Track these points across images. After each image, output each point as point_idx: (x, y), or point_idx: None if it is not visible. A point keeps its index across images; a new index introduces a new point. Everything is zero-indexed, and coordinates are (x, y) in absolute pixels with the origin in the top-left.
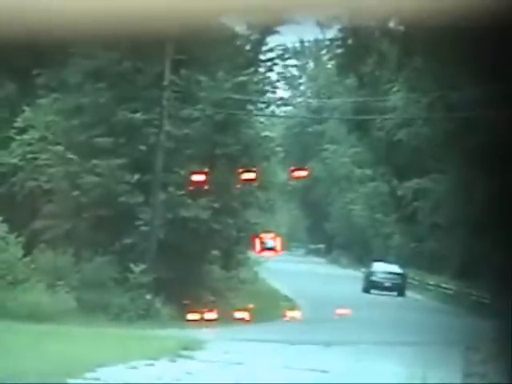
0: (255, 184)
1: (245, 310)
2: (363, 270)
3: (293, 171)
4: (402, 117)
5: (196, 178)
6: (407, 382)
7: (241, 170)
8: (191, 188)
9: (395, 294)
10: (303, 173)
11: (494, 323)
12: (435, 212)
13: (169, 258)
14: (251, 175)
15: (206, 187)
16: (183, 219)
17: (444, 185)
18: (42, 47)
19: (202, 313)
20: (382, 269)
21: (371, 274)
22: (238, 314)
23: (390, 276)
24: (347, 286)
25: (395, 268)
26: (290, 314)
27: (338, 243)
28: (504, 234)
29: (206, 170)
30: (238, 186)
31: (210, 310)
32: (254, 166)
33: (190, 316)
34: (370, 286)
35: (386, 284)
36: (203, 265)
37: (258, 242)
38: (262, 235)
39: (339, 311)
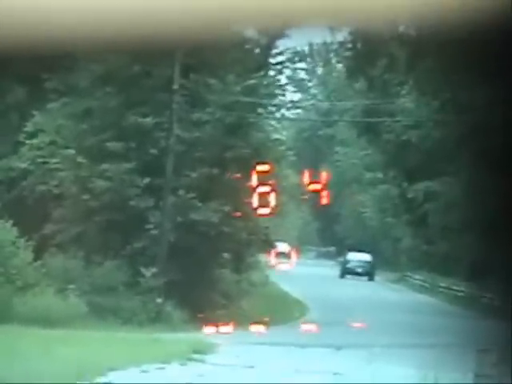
0: (271, 196)
1: (261, 323)
2: (340, 259)
3: (308, 184)
4: (412, 119)
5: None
6: None
7: (256, 184)
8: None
9: (366, 278)
10: (319, 186)
11: (505, 325)
12: (446, 214)
13: (179, 262)
14: (266, 188)
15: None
16: (193, 222)
17: (454, 187)
18: (50, 52)
19: (218, 326)
20: (355, 257)
21: (346, 262)
22: (254, 328)
23: (361, 263)
24: (358, 290)
25: (366, 256)
26: (305, 327)
27: (348, 246)
28: None
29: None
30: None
31: (226, 324)
32: (270, 179)
33: (207, 329)
34: (345, 272)
35: (358, 270)
36: (214, 268)
37: (273, 254)
38: (277, 245)
39: (355, 324)
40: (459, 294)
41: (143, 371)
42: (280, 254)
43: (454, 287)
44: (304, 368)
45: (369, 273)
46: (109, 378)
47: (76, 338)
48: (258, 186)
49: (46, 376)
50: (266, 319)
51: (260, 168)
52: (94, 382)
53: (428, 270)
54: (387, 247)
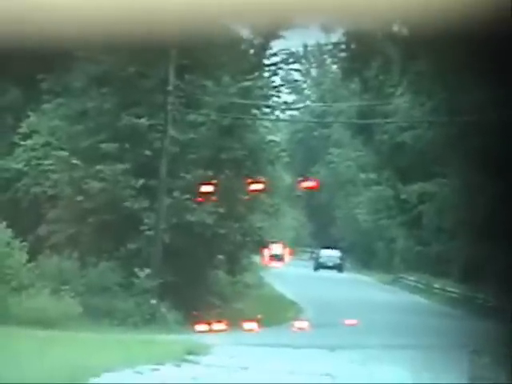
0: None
1: (254, 320)
2: (314, 255)
3: (301, 181)
4: (406, 120)
5: (205, 188)
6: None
7: (249, 181)
8: (200, 199)
9: (336, 271)
10: (312, 183)
11: (499, 326)
12: (439, 215)
13: (174, 263)
14: (259, 186)
15: (214, 197)
16: (188, 224)
17: (448, 188)
18: (46, 52)
19: (211, 323)
20: (326, 253)
21: (319, 257)
22: (247, 325)
23: (332, 258)
24: (352, 291)
25: (336, 252)
26: (297, 324)
27: (342, 247)
28: (509, 237)
29: (215, 181)
30: (247, 197)
31: (219, 321)
32: (261, 174)
33: (199, 327)
34: (318, 266)
35: (329, 264)
36: (208, 269)
37: (266, 252)
38: (270, 245)
39: (348, 321)
40: (453, 295)
41: (137, 372)
42: (274, 256)
43: (448, 288)
44: (298, 369)
45: (338, 266)
46: (103, 379)
47: (71, 338)
48: (251, 183)
49: (40, 377)
50: (259, 317)
51: (255, 186)
52: (89, 382)
53: (422, 271)
54: (381, 248)
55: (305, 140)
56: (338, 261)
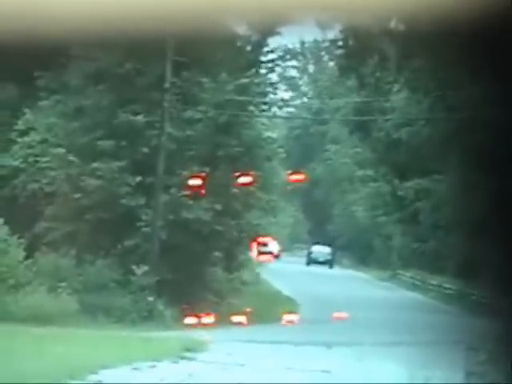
0: (252, 188)
1: (243, 313)
2: (306, 250)
3: (290, 175)
4: (403, 117)
5: (193, 182)
6: (409, 382)
7: (237, 174)
8: (188, 192)
9: (327, 266)
10: (300, 176)
11: (494, 323)
12: (436, 212)
13: (171, 260)
14: (247, 179)
15: (203, 191)
16: (185, 221)
17: (445, 185)
18: (42, 49)
19: (200, 317)
20: (318, 249)
21: (310, 253)
22: (235, 318)
23: (323, 254)
24: (348, 288)
25: (327, 249)
26: (287, 317)
27: (340, 244)
28: (505, 234)
29: (203, 174)
30: (235, 190)
31: (208, 314)
32: (253, 169)
33: (188, 320)
34: (310, 261)
35: (320, 259)
36: (205, 266)
37: (255, 246)
38: (259, 239)
39: (337, 314)
40: (449, 291)
41: (135, 369)
42: (263, 251)
43: (445, 285)
44: (295, 366)
45: (328, 262)
46: (100, 376)
47: (68, 336)
48: (239, 176)
49: (38, 374)
50: (248, 310)
51: (243, 180)
52: (86, 379)
53: (419, 268)
54: (378, 245)
55: (302, 137)
56: (329, 257)
